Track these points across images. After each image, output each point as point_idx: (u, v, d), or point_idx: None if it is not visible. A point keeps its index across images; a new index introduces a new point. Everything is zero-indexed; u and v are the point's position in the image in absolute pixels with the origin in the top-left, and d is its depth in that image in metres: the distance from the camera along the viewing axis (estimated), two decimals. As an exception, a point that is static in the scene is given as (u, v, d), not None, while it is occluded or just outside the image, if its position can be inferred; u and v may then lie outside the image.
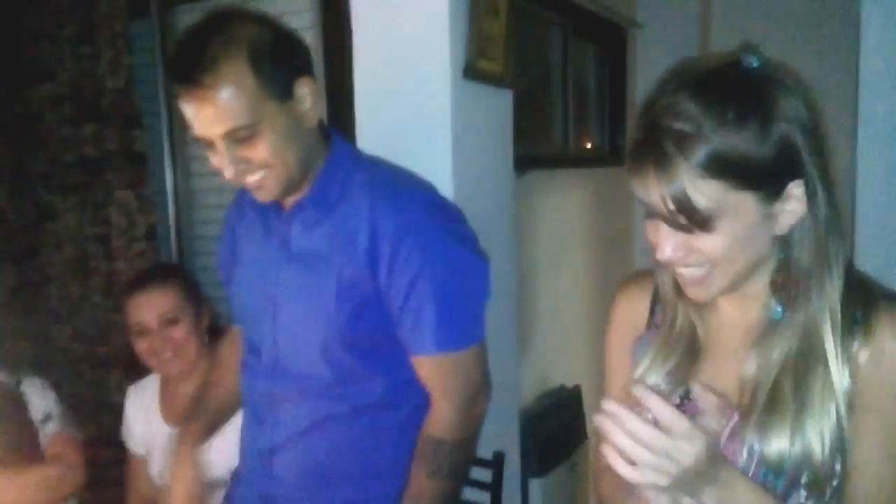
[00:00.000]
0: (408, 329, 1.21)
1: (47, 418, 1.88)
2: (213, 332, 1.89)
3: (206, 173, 2.51)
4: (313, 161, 1.23)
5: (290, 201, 1.26)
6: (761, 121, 0.78)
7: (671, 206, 0.80)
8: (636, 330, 1.03)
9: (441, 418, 1.23)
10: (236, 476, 1.41)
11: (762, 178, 0.80)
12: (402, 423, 1.27)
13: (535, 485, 2.37)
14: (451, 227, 1.24)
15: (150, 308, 1.78)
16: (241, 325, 1.44)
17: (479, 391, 1.26)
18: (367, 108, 1.86)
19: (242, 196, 1.39)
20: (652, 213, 0.85)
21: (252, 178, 1.17)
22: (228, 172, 1.16)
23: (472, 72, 1.80)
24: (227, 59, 1.10)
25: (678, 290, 0.94)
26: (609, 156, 3.44)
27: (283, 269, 1.26)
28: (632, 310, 1.04)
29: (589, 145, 3.42)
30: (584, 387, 2.81)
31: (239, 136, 1.12)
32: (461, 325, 1.23)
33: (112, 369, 2.28)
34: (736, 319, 0.94)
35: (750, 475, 0.86)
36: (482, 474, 1.64)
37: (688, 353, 0.94)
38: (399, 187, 1.24)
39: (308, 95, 1.18)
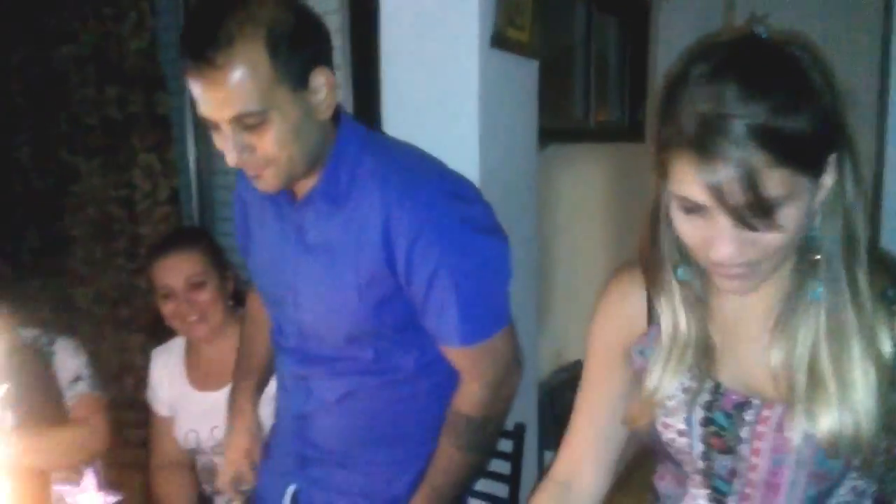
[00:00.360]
0: (432, 322, 1.19)
1: (77, 379, 1.90)
2: (237, 297, 1.91)
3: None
4: (321, 153, 1.17)
5: (300, 189, 1.21)
6: (809, 99, 0.76)
7: (742, 200, 0.74)
8: (632, 329, 0.97)
9: (471, 397, 1.23)
10: (273, 433, 1.43)
11: (815, 157, 0.78)
12: (433, 390, 1.28)
13: (550, 457, 2.39)
14: (468, 214, 1.19)
15: (177, 271, 1.79)
16: (263, 299, 1.41)
17: (509, 371, 1.25)
18: (393, 76, 1.85)
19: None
20: (697, 209, 0.78)
21: (253, 168, 1.12)
22: (231, 158, 1.10)
23: (499, 40, 1.78)
24: (244, 39, 1.04)
25: (682, 283, 0.89)
26: (629, 131, 3.41)
27: (301, 261, 1.22)
28: (626, 306, 0.98)
29: (609, 120, 3.40)
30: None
31: (247, 123, 1.06)
32: (486, 315, 1.21)
33: (134, 331, 2.30)
34: (751, 304, 0.90)
35: (805, 462, 0.85)
36: (503, 444, 1.66)
37: (702, 348, 0.90)
38: (411, 175, 1.17)
39: (324, 86, 1.12)
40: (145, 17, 2.31)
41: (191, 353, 1.94)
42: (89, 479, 0.94)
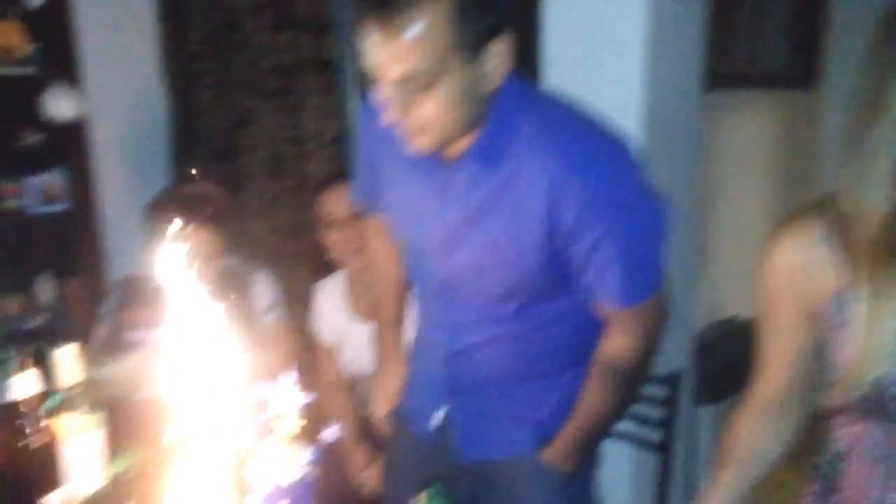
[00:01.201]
0: (591, 282, 1.18)
1: (271, 308, 2.08)
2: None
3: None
4: (480, 116, 1.13)
5: (451, 150, 1.17)
6: None
7: None
8: (820, 281, 0.92)
9: (620, 350, 1.23)
10: (418, 358, 1.47)
11: None
12: (577, 328, 1.29)
13: (704, 413, 2.33)
14: (632, 178, 1.15)
15: (340, 202, 1.90)
16: (406, 247, 1.39)
17: (657, 328, 1.25)
18: (555, 13, 1.81)
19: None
20: None
21: (409, 127, 1.09)
22: (388, 115, 1.08)
23: (668, -23, 1.70)
24: (430, 3, 0.98)
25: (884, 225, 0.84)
26: (800, 78, 3.16)
27: (451, 222, 1.21)
28: (809, 257, 0.93)
29: (779, 66, 3.16)
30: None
31: (412, 84, 1.02)
32: (646, 278, 1.19)
33: (302, 263, 2.46)
34: None
35: None
36: (657, 391, 1.64)
37: None
38: (575, 142, 1.12)
39: (498, 56, 1.06)
40: (316, -37, 2.39)
41: (351, 286, 2.05)
42: (288, 378, 1.04)
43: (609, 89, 1.78)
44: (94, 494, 1.12)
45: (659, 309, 1.24)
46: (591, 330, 1.28)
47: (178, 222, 1.71)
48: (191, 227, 1.72)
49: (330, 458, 1.13)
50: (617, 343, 1.23)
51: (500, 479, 1.34)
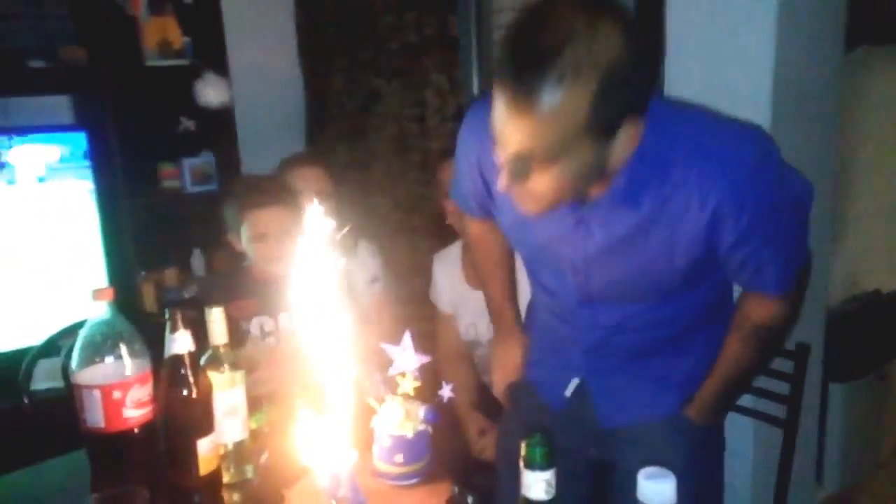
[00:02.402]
0: (746, 278, 1.20)
1: (374, 280, 2.19)
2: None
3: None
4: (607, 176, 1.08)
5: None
6: None
7: None
8: None
9: (768, 311, 1.23)
10: (546, 332, 1.48)
11: None
12: (716, 300, 1.30)
13: (835, 389, 2.23)
14: (778, 173, 1.11)
15: None
16: (527, 258, 1.40)
17: (803, 296, 1.26)
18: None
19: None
20: None
21: (518, 195, 1.05)
22: (502, 182, 1.02)
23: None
24: (574, 84, 0.91)
25: None
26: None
27: (589, 246, 1.18)
28: None
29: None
30: (905, 295, 2.51)
31: (533, 159, 0.98)
32: (798, 266, 1.21)
33: (424, 237, 2.56)
34: None
35: None
36: (783, 365, 1.59)
37: None
38: (724, 158, 1.07)
39: (628, 135, 1.01)
40: (440, -55, 2.44)
41: (466, 255, 2.12)
42: (407, 340, 1.12)
43: (737, 52, 1.73)
44: (236, 445, 1.27)
45: (806, 279, 1.24)
46: (726, 296, 1.31)
47: (252, 207, 1.85)
48: (263, 209, 1.81)
49: (445, 417, 1.21)
50: (762, 305, 1.23)
51: (639, 441, 1.34)
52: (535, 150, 0.96)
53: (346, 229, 2.17)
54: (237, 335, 1.80)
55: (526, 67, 0.92)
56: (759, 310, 1.23)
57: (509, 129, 0.96)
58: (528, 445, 0.72)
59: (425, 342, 2.22)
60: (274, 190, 1.88)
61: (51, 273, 2.21)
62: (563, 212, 1.12)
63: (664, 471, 0.68)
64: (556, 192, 1.02)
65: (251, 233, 1.82)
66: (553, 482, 0.73)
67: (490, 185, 1.25)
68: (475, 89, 2.67)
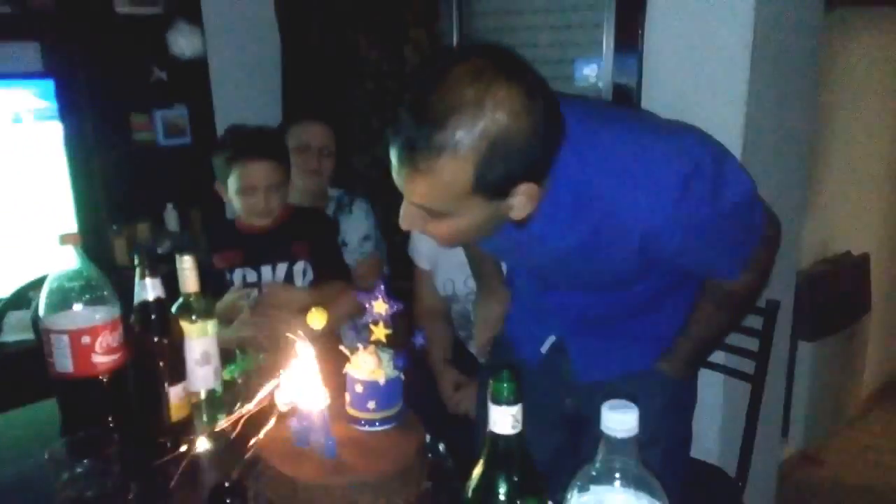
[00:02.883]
0: (700, 273, 1.25)
1: (366, 238, 2.19)
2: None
3: (490, 13, 2.57)
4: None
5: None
6: None
7: None
8: None
9: (737, 285, 1.25)
10: (518, 297, 1.53)
11: None
12: (683, 298, 1.32)
13: (804, 348, 2.27)
14: (713, 189, 1.09)
15: None
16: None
17: (773, 260, 1.26)
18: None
19: None
20: None
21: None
22: (404, 223, 1.08)
23: None
24: (458, 152, 0.93)
25: None
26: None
27: (541, 255, 1.21)
28: None
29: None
30: (873, 256, 2.55)
31: (428, 211, 1.03)
32: (749, 244, 1.20)
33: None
34: None
35: None
36: (753, 321, 1.62)
37: None
38: (649, 177, 1.06)
39: (524, 199, 1.02)
40: None
41: (445, 210, 2.12)
42: (380, 289, 1.12)
43: (716, 11, 1.71)
44: (208, 393, 1.27)
45: (775, 244, 1.25)
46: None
47: (242, 159, 1.83)
48: (253, 162, 1.79)
49: (419, 368, 1.22)
50: (731, 282, 1.25)
51: (614, 395, 1.36)
52: (427, 206, 1.01)
53: (342, 191, 2.17)
54: (220, 285, 1.79)
55: (413, 131, 0.95)
56: (728, 283, 1.25)
57: (400, 181, 1.01)
58: (494, 381, 0.73)
59: (403, 299, 2.24)
60: (265, 142, 1.86)
61: (21, 225, 2.17)
62: (505, 235, 1.13)
63: (628, 403, 0.69)
64: (455, 239, 1.08)
65: (239, 184, 1.80)
66: (520, 417, 0.74)
67: None
68: (455, 43, 2.64)
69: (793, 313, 2.10)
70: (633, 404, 0.69)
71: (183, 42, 2.42)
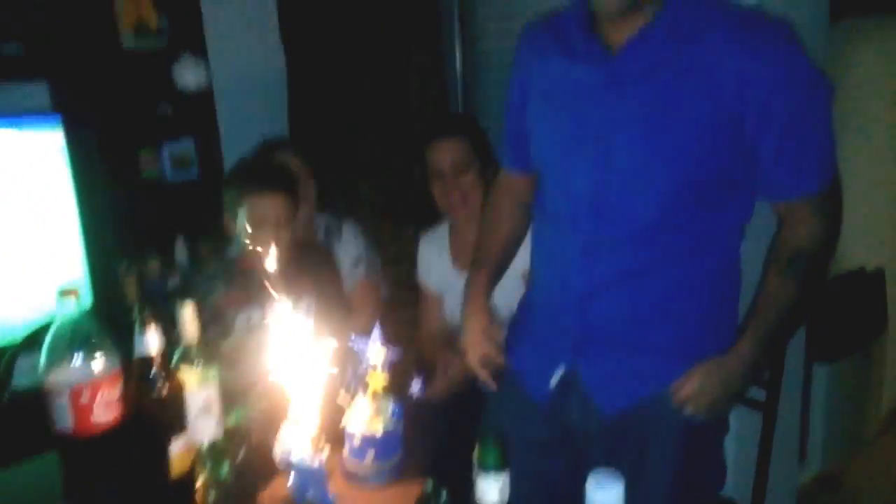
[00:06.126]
0: (786, 173, 1.19)
1: (358, 262, 2.19)
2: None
3: (492, 35, 2.57)
4: None
5: (619, 36, 1.20)
6: None
7: None
8: None
9: (810, 232, 1.22)
10: (534, 310, 1.46)
11: None
12: (717, 269, 1.27)
13: (820, 371, 2.23)
14: (814, 65, 1.16)
15: (445, 155, 1.97)
16: (547, 173, 1.39)
17: (841, 211, 1.24)
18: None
19: (541, 38, 1.35)
20: None
21: None
22: None
23: None
24: None
25: None
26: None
27: (619, 111, 1.21)
28: None
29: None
30: (888, 271, 2.51)
31: None
32: (832, 157, 1.21)
33: (409, 222, 2.54)
34: None
35: None
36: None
37: None
38: (761, 27, 1.14)
39: None
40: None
41: (454, 236, 2.11)
42: (377, 333, 1.11)
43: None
44: (210, 443, 1.27)
45: (841, 191, 1.23)
46: (731, 264, 1.29)
47: (252, 193, 1.84)
48: (263, 196, 1.81)
49: (416, 412, 1.20)
50: (803, 229, 1.22)
51: (638, 429, 1.28)
52: None
53: (329, 217, 2.17)
54: (226, 326, 1.80)
55: None
56: (798, 229, 1.22)
57: None
58: (481, 446, 0.72)
59: (409, 328, 2.24)
60: (274, 177, 1.88)
61: (29, 264, 2.19)
62: (596, 72, 1.21)
63: (614, 474, 0.68)
64: None
65: (249, 218, 1.82)
66: (508, 484, 0.73)
67: (530, 97, 1.36)
68: (458, 69, 2.65)
69: (806, 335, 2.06)
70: (618, 476, 0.67)
71: (188, 75, 2.44)
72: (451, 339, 2.11)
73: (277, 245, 1.83)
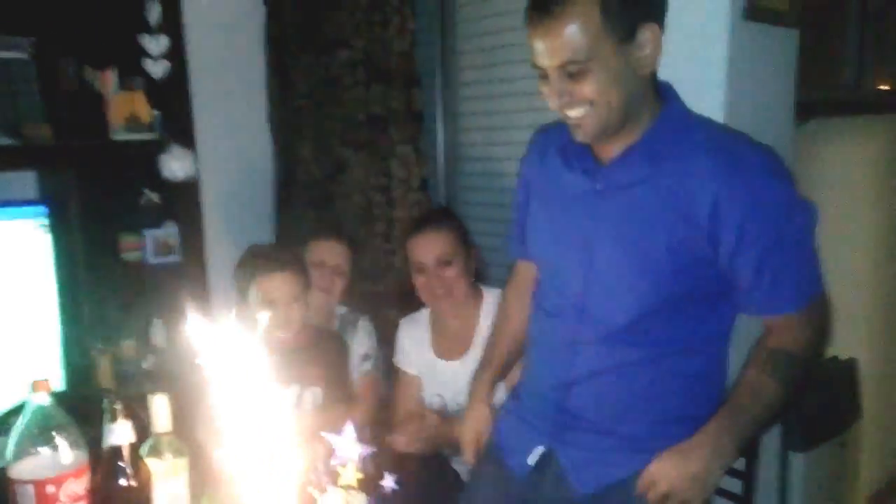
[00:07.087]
0: (763, 294, 1.23)
1: (366, 357, 2.19)
2: (479, 275, 2.07)
3: (474, 128, 2.66)
4: (638, 110, 1.24)
5: (609, 151, 1.29)
6: None
7: None
8: None
9: (796, 338, 1.25)
10: (525, 388, 1.52)
11: None
12: (698, 372, 1.31)
13: (796, 460, 2.22)
14: (794, 191, 1.21)
15: (428, 249, 2.00)
16: (542, 267, 1.49)
17: (830, 325, 1.28)
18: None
19: (545, 142, 1.46)
20: None
21: (573, 113, 1.22)
22: (553, 102, 1.23)
23: (754, 11, 1.69)
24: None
25: None
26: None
27: (603, 220, 1.29)
28: None
29: (890, 88, 2.98)
30: (861, 361, 2.53)
31: (570, 70, 1.18)
32: (816, 276, 1.25)
33: (388, 307, 2.56)
34: None
35: None
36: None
37: None
38: (742, 153, 1.21)
39: (649, 42, 1.19)
40: (407, 21, 2.50)
41: (436, 324, 2.13)
42: (350, 430, 1.11)
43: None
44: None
45: (829, 305, 1.27)
46: (708, 381, 1.33)
47: (263, 274, 1.88)
48: (275, 277, 1.87)
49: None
50: (790, 337, 1.25)
51: None
52: (567, 59, 1.16)
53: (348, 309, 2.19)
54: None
55: None
56: (783, 336, 1.24)
57: (545, 52, 1.18)
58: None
59: (385, 411, 2.22)
60: (284, 257, 1.98)
61: (4, 343, 2.16)
62: (586, 180, 1.30)
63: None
64: (598, 96, 1.19)
65: (261, 298, 1.84)
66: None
67: (533, 193, 1.47)
68: (440, 160, 2.72)
69: (781, 425, 2.07)
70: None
71: (175, 165, 2.49)
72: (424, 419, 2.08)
73: (289, 320, 1.89)
